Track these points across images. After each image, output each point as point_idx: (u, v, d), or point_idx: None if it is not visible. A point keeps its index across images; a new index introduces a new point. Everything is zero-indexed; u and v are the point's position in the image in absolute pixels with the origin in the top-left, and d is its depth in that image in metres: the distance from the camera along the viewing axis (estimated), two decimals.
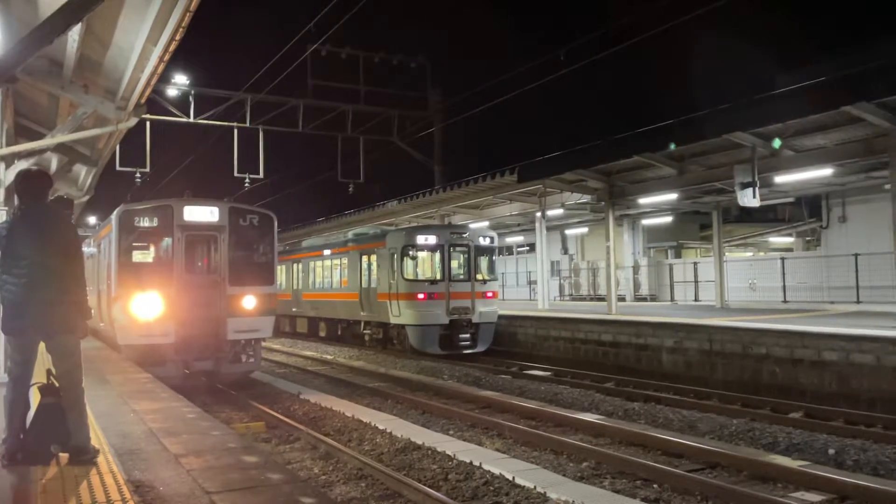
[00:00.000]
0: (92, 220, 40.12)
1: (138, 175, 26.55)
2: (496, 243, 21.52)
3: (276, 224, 14.84)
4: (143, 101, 10.25)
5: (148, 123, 25.15)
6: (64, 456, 5.11)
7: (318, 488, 7.31)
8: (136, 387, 9.22)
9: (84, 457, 5.06)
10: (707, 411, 11.75)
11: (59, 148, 12.97)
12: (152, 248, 13.82)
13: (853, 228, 22.45)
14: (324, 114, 28.87)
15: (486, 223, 26.57)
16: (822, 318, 16.25)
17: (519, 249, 37.01)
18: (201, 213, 13.88)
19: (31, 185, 5.21)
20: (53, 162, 14.86)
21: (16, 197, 5.39)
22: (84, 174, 16.87)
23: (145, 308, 13.04)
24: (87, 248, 17.38)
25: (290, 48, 20.65)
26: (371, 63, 29.20)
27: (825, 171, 15.75)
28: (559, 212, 24.13)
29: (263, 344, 15.75)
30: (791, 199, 23.96)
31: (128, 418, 6.87)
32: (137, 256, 13.68)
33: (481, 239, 20.70)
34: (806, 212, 25.75)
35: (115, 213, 13.86)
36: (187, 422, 6.80)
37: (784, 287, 23.16)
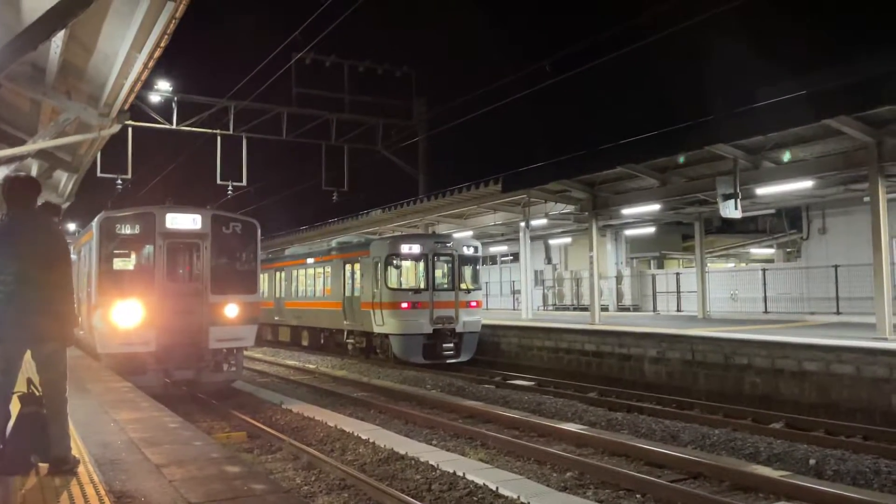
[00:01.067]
0: (72, 226, 39.72)
1: (119, 182, 26.37)
2: (480, 253, 21.57)
3: (259, 232, 14.78)
4: (126, 107, 10.19)
5: (130, 130, 24.97)
6: (44, 466, 5.04)
7: (301, 499, 7.26)
8: (117, 396, 9.12)
9: (64, 467, 4.99)
10: (689, 421, 11.80)
11: (40, 154, 12.84)
12: (133, 256, 13.72)
13: (833, 240, 22.71)
14: (308, 122, 28.87)
15: (470, 233, 26.60)
16: (802, 328, 16.42)
17: (503, 259, 37.07)
18: (183, 221, 13.79)
19: (20, 192, 5.11)
20: (34, 168, 14.68)
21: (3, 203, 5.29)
22: (65, 180, 16.70)
23: (126, 316, 12.91)
24: None
25: (275, 56, 20.63)
26: (356, 72, 29.25)
27: (806, 184, 15.92)
28: (543, 222, 24.22)
29: (245, 353, 15.64)
30: (772, 211, 24.24)
31: (108, 428, 6.79)
32: (118, 264, 13.57)
33: (465, 248, 20.72)
34: (786, 223, 26.04)
35: (95, 219, 13.74)
36: (169, 431, 6.73)
37: (765, 298, 23.37)
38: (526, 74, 29.77)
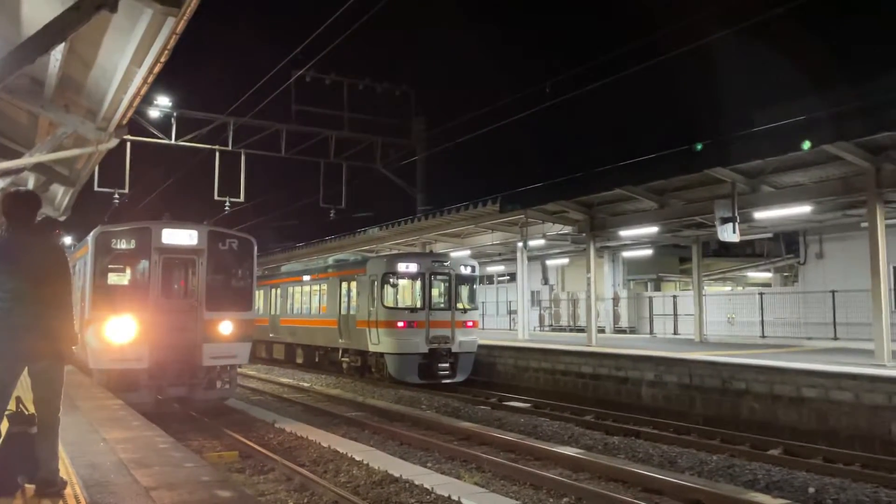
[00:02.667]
0: (68, 240, 39.59)
1: (116, 196, 26.25)
2: (477, 272, 21.48)
3: (255, 249, 14.69)
4: (124, 122, 10.11)
5: (128, 144, 24.88)
6: (30, 487, 4.91)
7: None
8: (108, 414, 8.98)
9: (51, 489, 4.86)
10: (687, 447, 11.69)
11: (37, 167, 12.75)
12: (128, 271, 13.60)
13: (830, 265, 22.67)
14: (307, 139, 28.84)
15: (468, 252, 26.54)
16: (799, 353, 16.34)
17: (499, 279, 36.99)
18: (180, 236, 13.71)
19: (19, 207, 5.00)
20: (30, 181, 14.60)
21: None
22: (61, 194, 16.59)
23: (119, 332, 12.78)
24: None
25: (275, 73, 20.66)
26: (355, 90, 29.28)
27: (804, 209, 15.92)
28: (540, 242, 24.18)
29: (239, 370, 15.49)
30: (769, 235, 24.21)
31: (98, 448, 6.66)
32: (113, 279, 13.45)
33: (462, 268, 20.65)
34: (784, 248, 25.99)
35: (91, 234, 13.65)
36: (159, 452, 6.60)
37: (762, 322, 23.29)
38: (526, 95, 29.85)
